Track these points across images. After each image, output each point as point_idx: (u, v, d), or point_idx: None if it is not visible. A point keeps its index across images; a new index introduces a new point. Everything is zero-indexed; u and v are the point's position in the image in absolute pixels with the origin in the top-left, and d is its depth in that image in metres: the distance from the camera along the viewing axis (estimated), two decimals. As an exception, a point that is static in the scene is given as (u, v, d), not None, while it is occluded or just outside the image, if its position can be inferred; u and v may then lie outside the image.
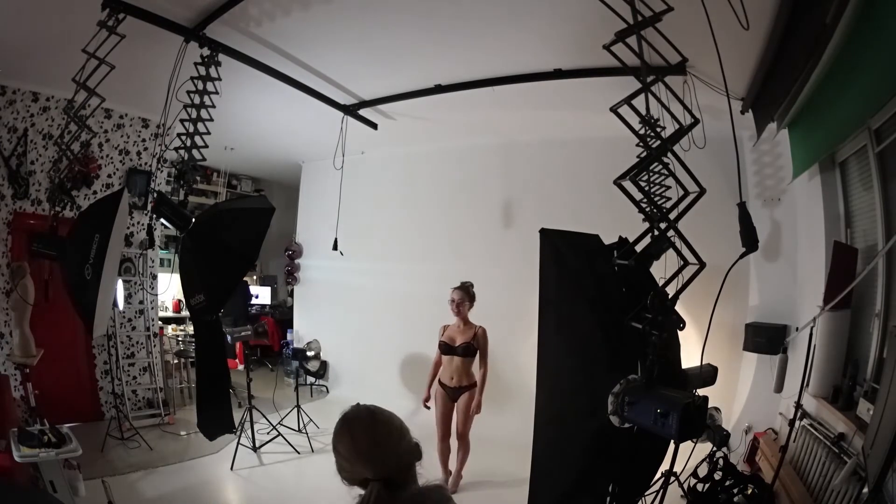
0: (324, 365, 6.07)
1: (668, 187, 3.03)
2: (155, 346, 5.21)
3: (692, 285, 1.63)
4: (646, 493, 2.11)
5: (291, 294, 7.74)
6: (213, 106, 3.14)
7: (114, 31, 2.66)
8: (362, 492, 0.99)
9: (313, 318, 6.84)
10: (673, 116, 2.01)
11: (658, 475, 2.17)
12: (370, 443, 0.99)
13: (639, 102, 1.78)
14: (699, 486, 2.92)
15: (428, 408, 3.70)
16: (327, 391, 6.44)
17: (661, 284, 1.73)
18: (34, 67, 3.85)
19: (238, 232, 3.17)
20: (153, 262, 5.33)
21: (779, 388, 3.32)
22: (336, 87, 4.06)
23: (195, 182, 6.10)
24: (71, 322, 4.07)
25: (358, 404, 1.09)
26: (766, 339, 3.68)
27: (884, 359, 2.37)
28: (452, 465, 3.76)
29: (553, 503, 1.96)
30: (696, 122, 1.87)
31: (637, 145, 2.45)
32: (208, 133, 3.14)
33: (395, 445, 1.01)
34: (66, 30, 3.03)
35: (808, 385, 2.82)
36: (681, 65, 2.38)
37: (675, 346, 1.92)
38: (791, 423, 2.83)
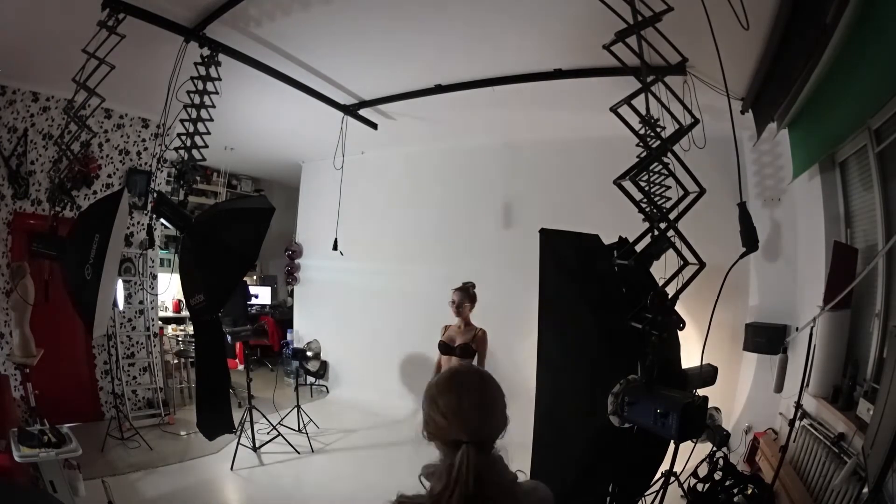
0: (324, 365, 6.07)
1: (668, 187, 3.03)
2: (155, 346, 5.21)
3: (692, 285, 1.63)
4: (646, 493, 2.11)
5: (291, 294, 7.74)
6: (213, 106, 3.14)
7: (114, 31, 2.66)
8: (432, 446, 1.01)
9: (313, 318, 6.84)
10: (673, 116, 2.01)
11: (658, 475, 2.17)
12: (476, 406, 0.98)
13: (639, 102, 1.78)
14: (699, 486, 2.92)
15: None
16: (327, 391, 6.44)
17: (661, 284, 1.73)
18: (34, 67, 3.85)
19: (238, 232, 3.17)
20: (153, 262, 5.33)
21: (779, 388, 3.32)
22: (336, 87, 4.07)
23: (195, 182, 6.10)
24: (71, 322, 4.06)
25: (470, 364, 1.08)
26: (766, 339, 3.68)
27: (884, 359, 2.37)
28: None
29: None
30: (696, 122, 1.87)
31: (637, 145, 2.45)
32: (208, 133, 3.14)
33: (500, 413, 1.01)
34: (66, 30, 3.02)
35: (808, 385, 2.82)
36: (681, 65, 2.38)
37: (675, 346, 1.92)
38: (791, 423, 2.83)
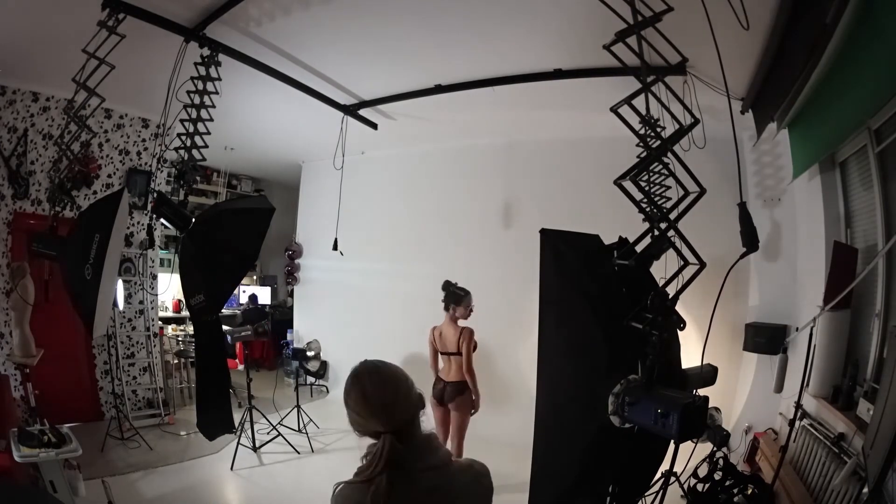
0: (324, 365, 6.07)
1: (669, 187, 3.03)
2: (155, 346, 5.22)
3: (692, 285, 1.63)
4: (646, 493, 2.11)
5: (291, 294, 7.74)
6: (213, 106, 3.14)
7: (114, 31, 2.66)
8: (372, 441, 1.06)
9: (313, 318, 6.84)
10: (673, 116, 2.01)
11: (658, 475, 2.17)
12: (380, 398, 1.05)
13: (639, 102, 1.78)
14: (699, 486, 2.92)
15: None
16: (327, 391, 6.44)
17: (661, 284, 1.73)
18: (34, 67, 3.85)
19: (238, 232, 3.17)
20: (153, 262, 5.33)
21: (779, 388, 3.32)
22: (336, 87, 4.06)
23: (195, 182, 6.10)
24: (71, 322, 4.07)
25: (365, 360, 1.13)
26: (766, 339, 3.68)
27: (884, 359, 2.37)
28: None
29: (553, 503, 1.96)
30: (696, 122, 1.87)
31: (637, 145, 2.45)
32: (208, 133, 3.14)
33: (404, 399, 1.07)
34: (66, 30, 3.03)
35: (808, 385, 2.82)
36: (681, 65, 2.38)
37: (676, 347, 1.91)
38: (791, 423, 2.83)
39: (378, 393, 1.06)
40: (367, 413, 1.05)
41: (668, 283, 1.70)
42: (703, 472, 2.99)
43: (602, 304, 1.82)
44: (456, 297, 3.58)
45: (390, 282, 6.09)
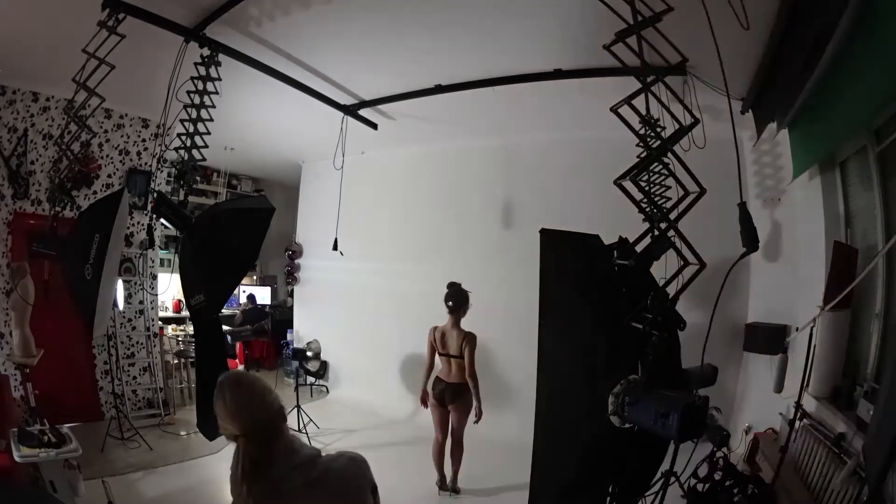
0: (324, 365, 6.07)
1: (669, 187, 3.03)
2: (155, 346, 5.21)
3: (692, 285, 1.63)
4: (646, 494, 2.11)
5: (291, 294, 7.74)
6: (213, 106, 3.14)
7: (114, 31, 2.66)
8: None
9: (313, 318, 6.84)
10: (673, 116, 2.01)
11: (658, 475, 2.17)
12: (235, 404, 1.15)
13: (639, 102, 1.78)
14: (699, 486, 2.91)
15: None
16: (327, 391, 6.43)
17: (661, 284, 1.73)
18: (34, 67, 3.85)
19: (238, 232, 3.17)
20: (153, 262, 5.33)
21: (779, 388, 3.31)
22: (336, 87, 4.07)
23: (195, 182, 6.10)
24: (71, 322, 4.06)
25: (232, 370, 1.23)
26: (766, 339, 3.68)
27: (884, 359, 2.37)
28: (446, 469, 3.75)
29: (553, 503, 1.96)
30: (696, 122, 1.87)
31: (637, 145, 2.45)
32: (208, 133, 3.14)
33: (258, 406, 1.16)
34: (66, 30, 3.03)
35: (808, 385, 2.82)
36: (681, 65, 2.38)
37: (676, 346, 1.91)
38: (791, 423, 2.83)
39: (234, 398, 1.15)
40: (225, 415, 1.14)
41: (668, 283, 1.70)
42: (703, 472, 2.98)
43: (602, 305, 1.83)
44: (465, 300, 3.59)
45: (390, 282, 6.08)
